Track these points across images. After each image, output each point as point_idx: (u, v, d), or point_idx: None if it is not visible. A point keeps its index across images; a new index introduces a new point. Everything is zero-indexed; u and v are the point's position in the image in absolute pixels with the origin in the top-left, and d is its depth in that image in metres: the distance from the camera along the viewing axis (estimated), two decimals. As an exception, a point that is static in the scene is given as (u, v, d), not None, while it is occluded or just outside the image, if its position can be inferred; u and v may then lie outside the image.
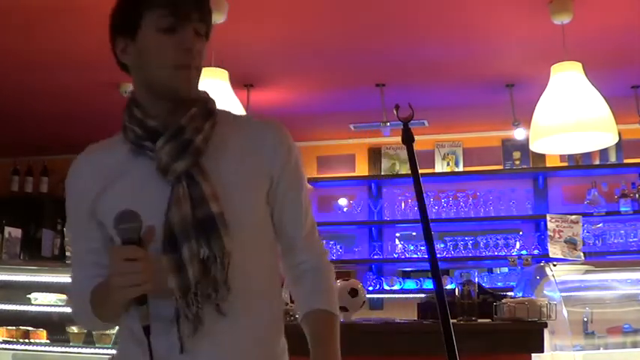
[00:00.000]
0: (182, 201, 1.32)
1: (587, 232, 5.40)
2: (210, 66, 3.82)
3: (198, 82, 1.42)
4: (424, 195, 1.27)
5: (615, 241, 5.54)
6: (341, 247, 6.08)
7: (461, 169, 6.26)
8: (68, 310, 4.17)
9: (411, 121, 1.34)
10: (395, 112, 1.39)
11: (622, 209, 5.67)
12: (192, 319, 1.31)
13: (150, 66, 1.39)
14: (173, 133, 1.36)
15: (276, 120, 1.51)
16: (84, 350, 4.09)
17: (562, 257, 3.83)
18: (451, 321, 1.60)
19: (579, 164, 5.96)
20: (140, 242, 1.26)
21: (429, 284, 5.91)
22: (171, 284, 1.30)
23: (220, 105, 1.50)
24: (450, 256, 5.87)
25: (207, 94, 1.47)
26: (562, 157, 6.01)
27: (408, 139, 1.34)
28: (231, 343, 1.36)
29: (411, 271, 6.33)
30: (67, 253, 4.27)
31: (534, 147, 4.08)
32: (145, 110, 1.41)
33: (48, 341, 4.17)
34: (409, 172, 6.90)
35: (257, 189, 1.43)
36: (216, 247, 1.31)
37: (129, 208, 1.27)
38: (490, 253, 5.83)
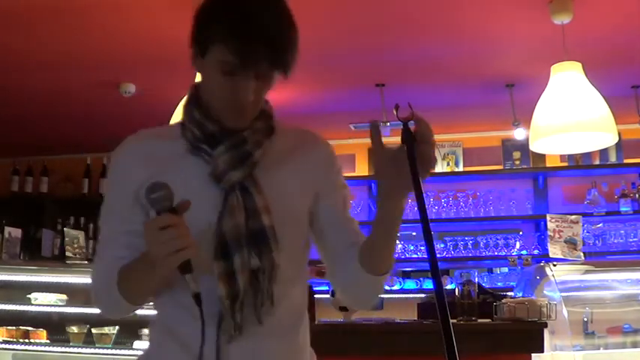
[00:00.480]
0: (236, 211, 1.35)
1: (587, 232, 5.40)
2: (210, 66, 3.81)
3: (254, 113, 1.42)
4: (424, 195, 1.26)
5: (615, 241, 5.54)
6: (341, 247, 6.07)
7: (461, 169, 6.26)
8: (68, 310, 4.21)
9: (411, 122, 1.33)
10: (395, 112, 1.38)
11: (622, 209, 5.67)
12: (233, 325, 1.33)
13: (208, 89, 1.42)
14: (235, 143, 1.38)
15: (319, 134, 1.57)
16: (84, 350, 4.09)
17: (562, 257, 3.83)
18: (451, 322, 1.60)
19: (579, 164, 5.96)
20: (174, 212, 1.26)
21: (429, 284, 5.91)
22: (220, 292, 1.32)
23: None
24: (450, 256, 5.86)
25: (271, 109, 1.49)
26: (562, 157, 6.01)
27: (408, 139, 1.33)
28: (264, 351, 1.38)
29: (411, 271, 6.33)
30: (67, 253, 4.27)
31: (534, 147, 4.08)
32: (205, 111, 1.41)
33: (48, 341, 4.17)
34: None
35: (303, 203, 1.48)
36: (266, 260, 1.35)
37: (160, 180, 1.28)
38: (490, 253, 5.83)
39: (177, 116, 3.92)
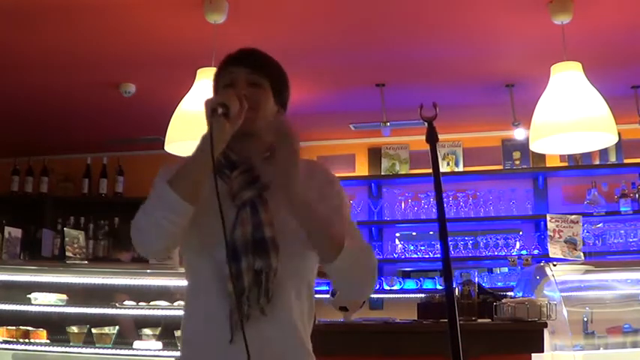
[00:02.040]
0: (245, 223, 1.65)
1: (587, 232, 5.40)
2: (210, 66, 3.82)
3: (255, 121, 1.70)
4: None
5: (615, 241, 5.54)
6: (341, 247, 6.07)
7: (461, 169, 6.26)
8: (68, 310, 4.20)
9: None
10: (419, 110, 1.44)
11: (622, 209, 5.67)
12: (240, 315, 1.59)
13: None
14: (245, 169, 1.71)
15: (323, 163, 1.88)
16: (84, 350, 4.09)
17: (562, 257, 3.84)
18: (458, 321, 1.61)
19: (579, 164, 5.96)
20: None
21: (428, 284, 5.91)
22: (230, 288, 1.60)
23: None
24: (450, 256, 5.85)
25: None
26: (562, 157, 6.01)
27: (432, 138, 1.36)
28: (271, 336, 1.63)
29: (411, 271, 6.33)
30: (67, 253, 4.27)
31: (534, 147, 4.08)
32: (229, 145, 1.67)
33: (48, 341, 4.16)
34: (409, 172, 6.87)
35: None
36: (265, 263, 1.63)
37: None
38: (490, 253, 5.83)
39: (177, 116, 3.92)
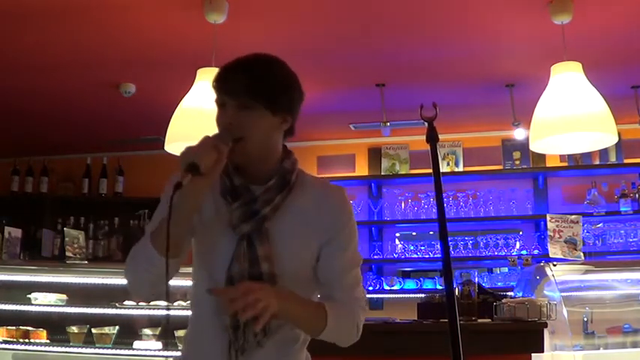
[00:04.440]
0: (241, 258, 1.62)
1: (587, 232, 5.40)
2: (210, 66, 3.82)
3: (250, 150, 1.64)
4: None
5: (615, 241, 5.54)
6: (341, 247, 6.07)
7: (461, 169, 6.26)
8: (68, 310, 4.21)
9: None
10: (419, 110, 1.44)
11: (622, 209, 5.67)
12: (238, 349, 1.61)
13: None
14: (245, 201, 1.65)
15: (341, 189, 1.77)
16: (84, 350, 4.09)
17: (562, 257, 3.83)
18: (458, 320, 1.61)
19: (579, 164, 5.96)
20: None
21: (428, 284, 5.91)
22: (226, 321, 1.61)
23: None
24: (450, 256, 5.84)
25: (293, 164, 1.72)
26: (562, 157, 6.01)
27: (432, 138, 1.37)
28: None
29: (411, 271, 6.33)
30: (67, 253, 4.27)
31: (534, 147, 4.08)
32: (235, 166, 1.68)
33: (48, 341, 4.17)
34: (409, 172, 6.87)
35: (310, 249, 1.70)
36: None
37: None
38: (490, 253, 5.83)
39: (177, 116, 3.92)
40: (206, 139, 1.57)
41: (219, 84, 1.66)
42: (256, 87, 1.63)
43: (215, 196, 1.69)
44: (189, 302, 1.82)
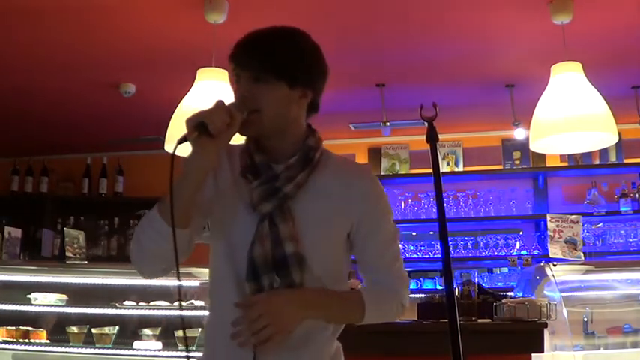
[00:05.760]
0: (264, 239, 1.54)
1: (587, 232, 5.40)
2: (210, 66, 3.82)
3: (266, 123, 1.59)
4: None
5: (615, 241, 5.54)
6: (341, 247, 6.07)
7: (461, 169, 6.26)
8: (68, 310, 4.21)
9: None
10: (419, 110, 1.45)
11: (622, 209, 5.67)
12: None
13: None
14: (266, 180, 1.58)
15: (368, 166, 1.72)
16: (84, 350, 4.09)
17: (562, 257, 3.83)
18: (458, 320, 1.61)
19: (579, 164, 5.96)
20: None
21: (428, 284, 5.91)
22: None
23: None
24: (450, 256, 5.84)
25: (317, 141, 1.66)
26: (562, 157, 6.00)
27: (432, 138, 1.38)
28: (291, 356, 1.58)
29: (411, 271, 6.32)
30: (67, 253, 4.27)
31: (534, 147, 4.08)
32: (256, 144, 1.63)
33: (48, 341, 4.17)
34: (409, 172, 6.86)
35: (337, 229, 1.63)
36: (285, 282, 1.53)
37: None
38: (490, 253, 5.82)
39: (177, 116, 3.92)
40: (220, 102, 1.52)
41: (233, 57, 1.61)
42: (267, 58, 1.57)
43: (235, 177, 1.63)
44: (195, 301, 1.79)
